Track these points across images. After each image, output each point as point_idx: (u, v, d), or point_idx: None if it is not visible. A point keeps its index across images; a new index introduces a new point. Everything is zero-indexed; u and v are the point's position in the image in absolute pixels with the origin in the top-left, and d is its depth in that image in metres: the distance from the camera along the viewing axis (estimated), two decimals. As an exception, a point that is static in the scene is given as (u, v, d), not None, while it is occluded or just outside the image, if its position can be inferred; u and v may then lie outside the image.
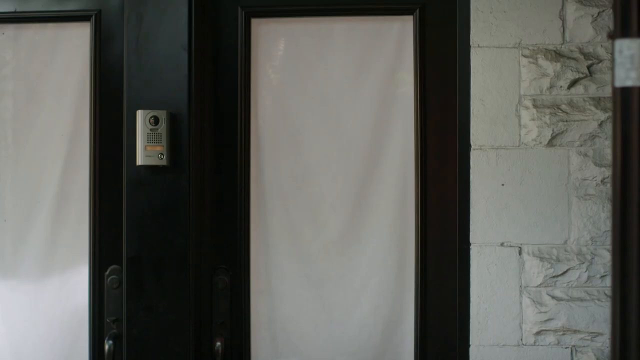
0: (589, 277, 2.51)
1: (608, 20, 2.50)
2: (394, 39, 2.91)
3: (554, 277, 2.51)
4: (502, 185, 2.52)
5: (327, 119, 2.98)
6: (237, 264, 2.81)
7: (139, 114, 2.41)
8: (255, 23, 2.72)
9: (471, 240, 2.53)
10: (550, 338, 2.51)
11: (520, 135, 2.52)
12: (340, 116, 2.96)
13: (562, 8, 2.51)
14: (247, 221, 2.86)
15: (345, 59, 2.87)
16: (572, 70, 2.51)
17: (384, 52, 2.90)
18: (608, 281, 2.48)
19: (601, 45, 2.51)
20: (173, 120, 2.42)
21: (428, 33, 2.76)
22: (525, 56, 2.52)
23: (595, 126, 2.51)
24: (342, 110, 2.96)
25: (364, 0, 2.73)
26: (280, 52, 2.77)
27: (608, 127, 2.51)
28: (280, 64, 2.77)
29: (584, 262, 2.51)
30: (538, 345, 2.51)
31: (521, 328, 2.51)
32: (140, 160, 2.41)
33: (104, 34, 2.47)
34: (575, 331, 2.51)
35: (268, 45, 2.75)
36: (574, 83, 2.51)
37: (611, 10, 2.47)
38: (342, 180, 3.05)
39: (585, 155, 2.51)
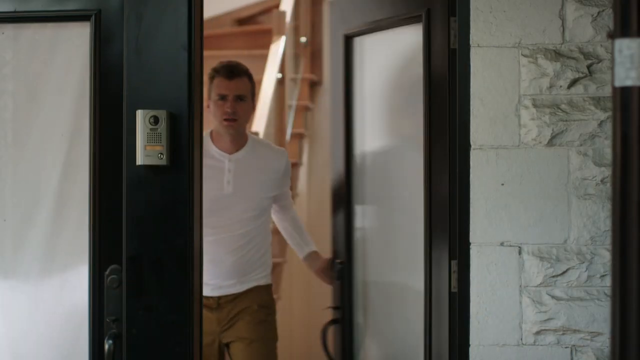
0: (588, 277, 2.51)
1: (608, 20, 2.50)
2: None
3: (553, 276, 2.51)
4: (502, 185, 2.52)
5: None
6: (237, 263, 2.81)
7: (139, 113, 2.41)
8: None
9: (471, 240, 2.53)
10: (550, 338, 2.51)
11: (520, 135, 2.52)
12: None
13: (562, 8, 2.51)
14: (247, 221, 2.86)
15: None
16: (572, 70, 2.51)
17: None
18: (608, 281, 2.48)
19: (601, 45, 2.51)
20: (173, 120, 2.42)
21: (428, 33, 2.76)
22: (525, 56, 2.52)
23: (595, 126, 2.51)
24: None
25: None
26: None
27: (608, 127, 2.51)
28: None
29: (583, 262, 2.51)
30: (538, 344, 2.51)
31: (521, 328, 2.51)
32: (140, 160, 2.41)
33: (103, 33, 2.46)
34: (575, 331, 2.51)
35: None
36: (573, 83, 2.51)
37: (611, 10, 2.47)
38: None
39: (585, 155, 2.51)
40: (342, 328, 3.09)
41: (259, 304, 3.36)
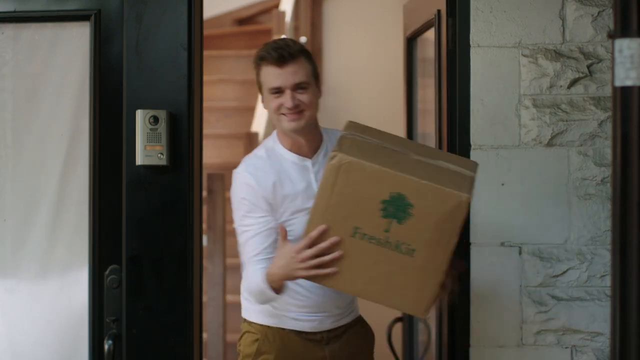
0: (588, 277, 2.51)
1: (608, 20, 2.49)
2: None
3: (554, 276, 2.51)
4: (502, 185, 2.52)
5: None
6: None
7: (139, 113, 2.41)
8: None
9: (471, 240, 2.53)
10: (550, 338, 2.51)
11: (520, 135, 2.52)
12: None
13: (562, 8, 2.51)
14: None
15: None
16: (572, 70, 2.51)
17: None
18: (608, 281, 2.48)
19: (601, 45, 2.51)
20: (173, 119, 2.42)
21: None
22: (525, 56, 2.52)
23: (595, 126, 2.51)
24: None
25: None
26: None
27: (608, 127, 2.51)
28: None
29: (584, 262, 2.50)
30: (538, 345, 2.51)
31: (521, 328, 2.51)
32: (139, 160, 2.41)
33: (103, 33, 2.46)
34: (575, 331, 2.50)
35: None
36: (574, 82, 2.51)
37: (611, 10, 2.47)
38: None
39: (585, 154, 2.50)
40: (406, 326, 3.10)
41: (368, 341, 2.72)
